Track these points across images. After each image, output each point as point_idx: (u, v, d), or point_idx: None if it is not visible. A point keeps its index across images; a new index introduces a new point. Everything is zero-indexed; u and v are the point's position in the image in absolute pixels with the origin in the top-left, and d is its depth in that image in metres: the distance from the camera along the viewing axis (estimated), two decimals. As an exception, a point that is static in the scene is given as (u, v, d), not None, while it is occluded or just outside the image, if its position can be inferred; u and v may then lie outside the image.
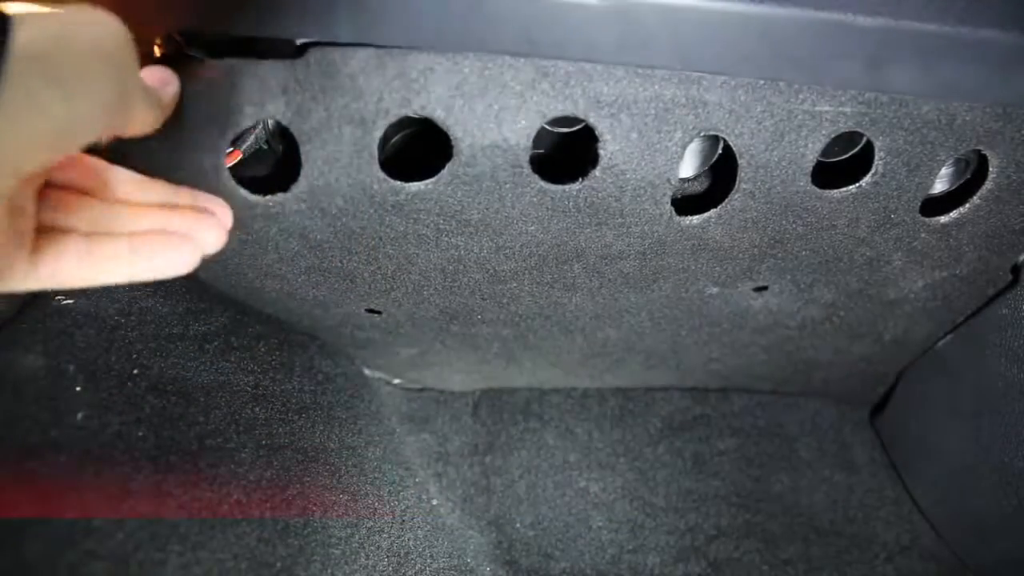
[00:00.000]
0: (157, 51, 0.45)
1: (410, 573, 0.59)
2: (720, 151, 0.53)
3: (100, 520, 0.43)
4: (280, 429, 0.58)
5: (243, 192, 0.48)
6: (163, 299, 0.59)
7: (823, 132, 0.48)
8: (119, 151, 0.37)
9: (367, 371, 0.79)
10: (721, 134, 0.48)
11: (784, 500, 0.77)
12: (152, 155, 0.42)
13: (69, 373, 0.51)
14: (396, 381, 0.82)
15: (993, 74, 0.45)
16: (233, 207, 0.46)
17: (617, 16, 0.42)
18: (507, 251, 0.56)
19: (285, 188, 0.48)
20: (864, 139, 0.51)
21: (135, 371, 0.54)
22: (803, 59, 0.45)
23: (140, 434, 0.49)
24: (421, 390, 0.83)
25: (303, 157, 0.46)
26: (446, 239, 0.54)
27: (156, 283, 0.52)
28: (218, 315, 0.62)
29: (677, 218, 0.53)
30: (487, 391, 0.84)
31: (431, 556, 0.62)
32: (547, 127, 0.50)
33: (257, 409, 0.58)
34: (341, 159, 0.46)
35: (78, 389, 0.50)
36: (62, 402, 0.49)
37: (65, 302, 0.56)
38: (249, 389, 0.59)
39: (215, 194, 0.41)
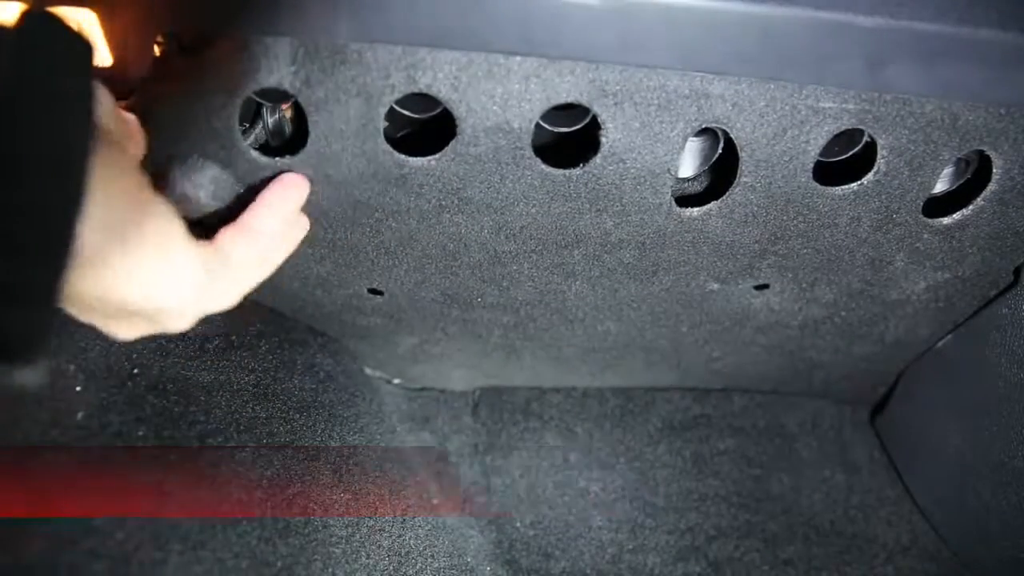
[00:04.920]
0: (157, 49, 0.45)
1: (410, 572, 0.59)
2: (720, 151, 0.53)
3: (100, 520, 0.43)
4: (281, 428, 0.58)
5: (253, 153, 0.48)
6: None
7: (825, 128, 0.48)
8: (143, 116, 0.41)
9: (367, 370, 0.79)
10: (723, 127, 0.48)
11: (784, 500, 0.77)
12: (170, 117, 0.44)
13: (69, 373, 0.51)
14: (396, 381, 0.82)
15: (994, 74, 0.45)
16: (243, 168, 0.47)
17: (617, 16, 0.42)
18: (508, 232, 0.56)
19: (293, 152, 0.48)
20: (864, 139, 0.51)
21: (135, 371, 0.54)
22: (803, 59, 0.45)
23: (140, 434, 0.49)
24: (421, 389, 0.83)
25: (310, 126, 0.47)
26: (447, 216, 0.54)
27: None
28: (219, 313, 0.62)
29: (677, 209, 0.53)
30: (487, 390, 0.84)
31: (431, 555, 0.62)
32: (547, 127, 0.50)
33: (258, 408, 0.58)
34: (347, 131, 0.47)
35: (78, 389, 0.50)
36: (62, 402, 0.48)
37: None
38: (250, 388, 0.59)
39: (225, 153, 0.45)
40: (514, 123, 0.47)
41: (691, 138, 0.50)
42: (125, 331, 0.38)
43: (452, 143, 0.48)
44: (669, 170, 0.50)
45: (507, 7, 0.42)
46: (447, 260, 0.60)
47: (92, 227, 0.30)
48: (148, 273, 0.35)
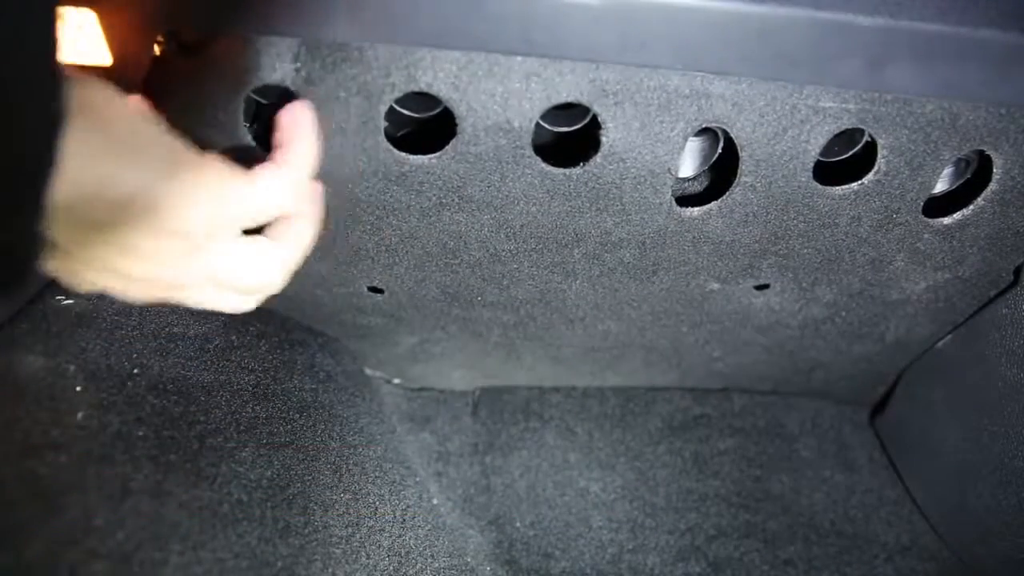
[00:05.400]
0: (157, 49, 0.45)
1: (411, 572, 0.59)
2: (720, 150, 0.53)
3: (100, 520, 0.43)
4: (281, 428, 0.58)
5: (256, 147, 0.49)
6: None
7: (826, 128, 0.48)
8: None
9: (367, 370, 0.79)
10: (723, 126, 0.48)
11: (784, 500, 0.77)
12: (172, 117, 0.44)
13: (69, 373, 0.51)
14: (396, 381, 0.82)
15: (993, 74, 0.45)
16: (245, 162, 0.48)
17: (617, 16, 0.42)
18: (508, 230, 0.56)
19: None
20: (864, 140, 0.51)
21: (135, 371, 0.54)
22: (803, 59, 0.45)
23: (140, 434, 0.49)
24: (421, 389, 0.83)
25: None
26: (448, 214, 0.54)
27: None
28: (219, 313, 0.62)
29: (677, 209, 0.53)
30: (487, 390, 0.83)
31: (432, 555, 0.62)
32: (547, 126, 0.50)
33: (258, 408, 0.58)
34: (348, 129, 0.47)
35: (78, 389, 0.50)
36: (62, 402, 0.48)
37: (65, 302, 0.56)
38: (250, 388, 0.59)
39: (228, 144, 0.47)
40: (514, 122, 0.47)
41: (691, 138, 0.50)
42: (176, 257, 0.37)
43: (452, 142, 0.48)
44: (669, 170, 0.50)
45: (508, 7, 0.42)
46: (447, 258, 0.60)
47: (128, 173, 0.33)
48: (154, 190, 0.35)
